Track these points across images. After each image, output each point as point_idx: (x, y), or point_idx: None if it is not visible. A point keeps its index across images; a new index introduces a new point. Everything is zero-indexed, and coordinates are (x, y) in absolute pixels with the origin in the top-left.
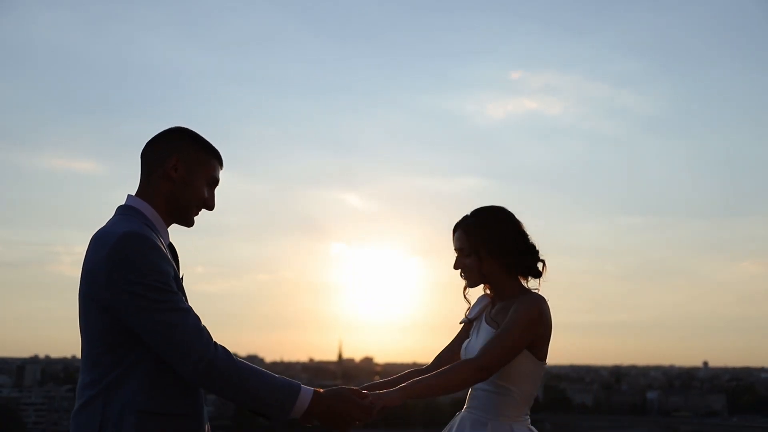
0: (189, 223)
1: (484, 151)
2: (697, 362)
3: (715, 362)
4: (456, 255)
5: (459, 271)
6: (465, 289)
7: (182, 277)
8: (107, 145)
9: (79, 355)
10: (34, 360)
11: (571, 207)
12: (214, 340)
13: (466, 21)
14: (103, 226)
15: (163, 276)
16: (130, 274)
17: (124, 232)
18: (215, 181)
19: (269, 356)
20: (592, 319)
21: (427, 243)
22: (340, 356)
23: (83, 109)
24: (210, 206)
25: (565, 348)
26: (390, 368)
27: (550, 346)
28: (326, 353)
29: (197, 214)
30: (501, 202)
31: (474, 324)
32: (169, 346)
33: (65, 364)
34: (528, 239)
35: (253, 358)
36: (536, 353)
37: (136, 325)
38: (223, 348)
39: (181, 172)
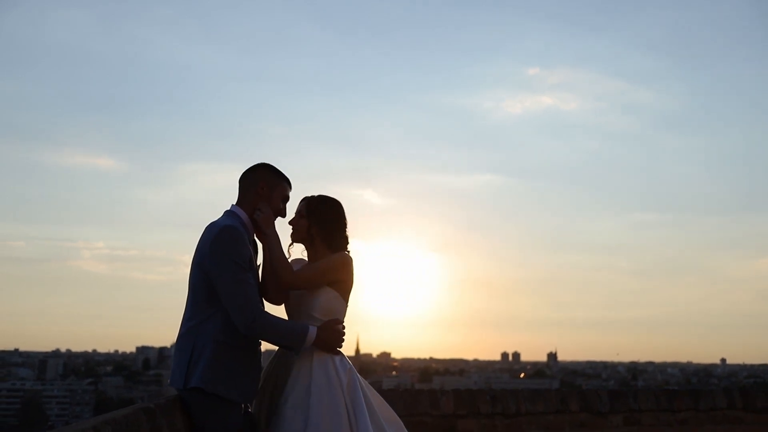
0: None
1: (500, 148)
2: (715, 359)
3: (732, 359)
4: (295, 215)
5: (291, 226)
6: (291, 245)
7: (259, 265)
8: (126, 141)
9: (99, 349)
10: (56, 354)
11: (587, 203)
12: (263, 310)
13: (482, 18)
14: (215, 220)
15: (242, 258)
16: (223, 253)
17: (225, 225)
18: (287, 198)
19: None
20: (608, 316)
21: (443, 239)
22: (357, 351)
23: (102, 106)
24: (283, 215)
25: (581, 344)
26: (407, 363)
27: (567, 342)
28: (344, 348)
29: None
30: (517, 199)
31: None
32: (232, 305)
33: (86, 357)
34: (346, 228)
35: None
36: (342, 294)
37: (217, 286)
38: (266, 313)
39: (266, 191)
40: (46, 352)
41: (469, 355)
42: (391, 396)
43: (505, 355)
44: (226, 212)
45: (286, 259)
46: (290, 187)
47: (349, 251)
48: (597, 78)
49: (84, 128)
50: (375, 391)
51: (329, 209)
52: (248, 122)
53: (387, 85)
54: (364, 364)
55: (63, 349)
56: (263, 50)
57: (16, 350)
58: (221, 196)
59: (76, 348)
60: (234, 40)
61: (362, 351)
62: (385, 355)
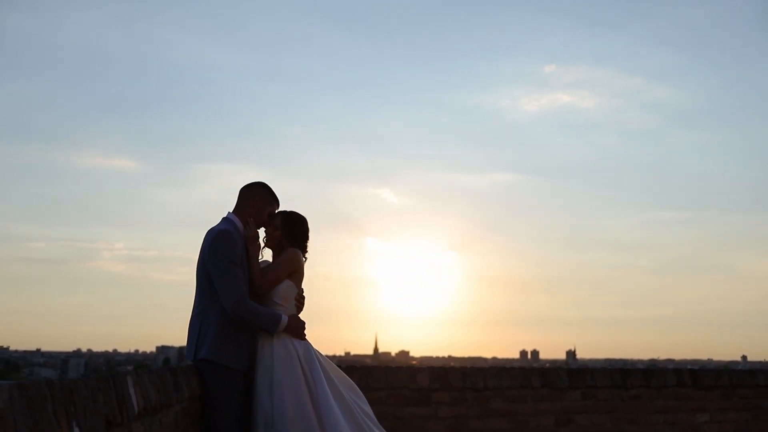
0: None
1: (517, 146)
2: (736, 356)
3: (753, 356)
4: (270, 226)
5: (264, 232)
6: (263, 247)
7: (262, 260)
8: (143, 142)
9: (119, 349)
10: (78, 354)
11: (605, 201)
12: (246, 297)
13: (499, 16)
14: (214, 226)
15: (234, 256)
16: (218, 252)
17: (221, 229)
18: (273, 214)
19: None
20: (627, 313)
21: (461, 238)
22: (375, 350)
23: (119, 108)
24: (266, 226)
25: (600, 342)
26: (426, 361)
27: (587, 340)
28: (362, 347)
29: (259, 228)
30: (534, 197)
31: None
32: (222, 293)
33: (107, 357)
34: (308, 241)
35: None
36: (296, 282)
37: (213, 278)
38: (248, 301)
39: (258, 206)
40: (68, 352)
41: (487, 353)
42: (372, 372)
43: (523, 353)
44: (224, 218)
45: (260, 272)
46: (278, 205)
47: (306, 257)
48: (614, 75)
49: (102, 130)
50: (330, 362)
51: (298, 226)
52: (265, 122)
53: (403, 84)
54: (383, 362)
55: (84, 349)
56: (279, 50)
57: (38, 350)
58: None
59: (97, 348)
60: (250, 40)
61: (381, 350)
62: (403, 354)
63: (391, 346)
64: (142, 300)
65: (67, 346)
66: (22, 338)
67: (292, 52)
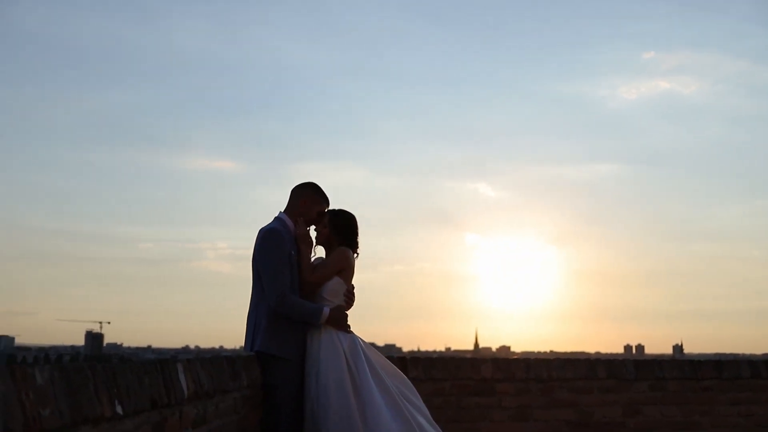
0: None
1: (616, 136)
2: None
3: None
4: (320, 224)
5: (314, 230)
6: (316, 244)
7: (314, 258)
8: (244, 143)
9: (225, 345)
10: (186, 350)
11: (712, 190)
12: (288, 293)
13: (594, 5)
14: (265, 225)
15: (280, 253)
16: (266, 250)
17: (269, 229)
18: (322, 213)
19: (407, 346)
20: (737, 306)
21: (561, 231)
22: (476, 345)
23: (222, 111)
24: (315, 224)
25: (709, 335)
26: (527, 357)
27: (694, 334)
28: (462, 342)
29: (309, 226)
30: (637, 187)
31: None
32: (266, 288)
33: (214, 353)
34: (357, 236)
35: (390, 348)
36: (345, 279)
37: (261, 274)
38: (290, 296)
39: (307, 205)
40: (177, 349)
41: (590, 348)
42: (435, 363)
43: (628, 347)
44: (275, 218)
45: (310, 270)
46: (327, 204)
47: (358, 253)
48: (718, 59)
49: (205, 133)
50: (379, 354)
51: (346, 223)
52: (362, 119)
53: (499, 77)
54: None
55: (192, 346)
56: (375, 47)
57: (149, 347)
58: (338, 193)
59: (204, 344)
60: (346, 39)
61: (481, 345)
62: (504, 349)
63: (491, 341)
64: (246, 298)
65: (176, 342)
66: (133, 335)
67: (387, 48)
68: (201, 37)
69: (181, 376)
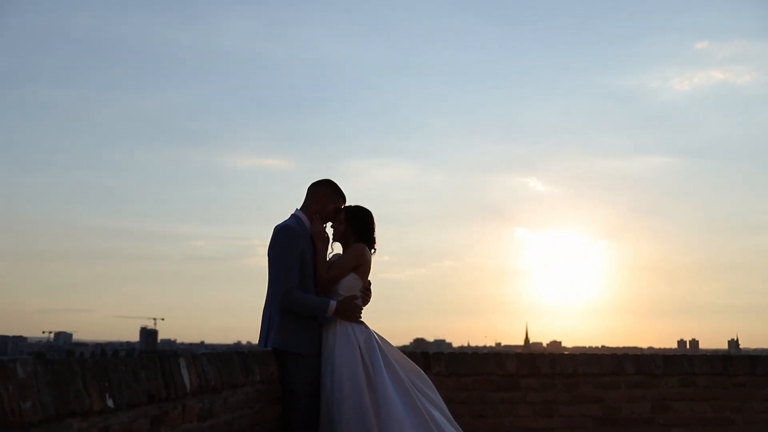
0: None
1: (669, 128)
2: None
3: None
4: (336, 221)
5: (333, 229)
6: (333, 240)
7: (332, 254)
8: (294, 141)
9: None
10: (238, 346)
11: (767, 181)
12: (294, 289)
13: None
14: (281, 222)
15: (291, 250)
16: (277, 246)
17: (283, 226)
18: (338, 210)
19: (456, 341)
20: None
21: (611, 225)
22: (526, 340)
23: (270, 109)
24: (332, 221)
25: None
26: (578, 352)
27: (751, 329)
28: (513, 338)
29: (326, 223)
30: (689, 180)
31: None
32: (274, 282)
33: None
34: (374, 232)
35: (440, 343)
36: (361, 276)
37: (271, 269)
38: (296, 292)
39: (323, 202)
40: (229, 345)
41: (643, 343)
42: (459, 358)
43: (682, 342)
44: (292, 215)
45: (325, 268)
46: (344, 201)
47: (375, 249)
48: None
49: (254, 131)
50: (396, 349)
51: (362, 220)
52: (410, 116)
53: (547, 71)
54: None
55: (244, 341)
56: (423, 44)
57: (202, 342)
58: (387, 190)
59: (256, 340)
60: (393, 36)
61: (532, 340)
62: (555, 344)
63: (542, 336)
64: None
65: (227, 338)
66: (187, 331)
67: (434, 44)
68: (248, 37)
69: (184, 371)
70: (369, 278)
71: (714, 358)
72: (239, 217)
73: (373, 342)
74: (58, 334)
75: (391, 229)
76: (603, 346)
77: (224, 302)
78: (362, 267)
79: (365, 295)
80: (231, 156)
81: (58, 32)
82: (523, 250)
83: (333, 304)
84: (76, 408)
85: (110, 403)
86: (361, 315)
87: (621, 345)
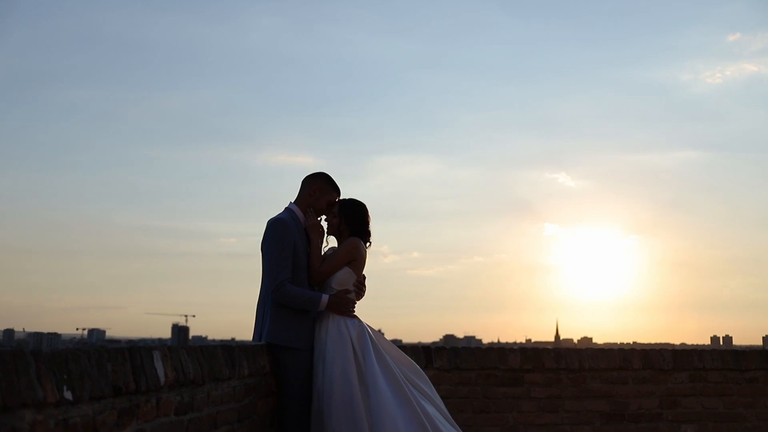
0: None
1: (701, 122)
2: None
3: None
4: (330, 214)
5: (324, 218)
6: (327, 234)
7: (327, 248)
8: (323, 138)
9: None
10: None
11: None
12: (285, 282)
13: None
14: (273, 216)
15: (283, 244)
16: (269, 239)
17: (275, 219)
18: (332, 203)
19: (486, 337)
20: None
21: (642, 220)
22: (557, 336)
23: (298, 106)
24: (326, 215)
25: None
26: (608, 348)
27: None
28: (543, 334)
29: (319, 216)
30: (721, 175)
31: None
32: (266, 276)
33: None
34: (368, 225)
35: (470, 339)
36: (355, 270)
37: (262, 263)
38: (287, 286)
39: (316, 195)
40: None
41: (675, 340)
42: (460, 353)
43: (715, 338)
44: (285, 208)
45: (319, 262)
46: (338, 195)
47: (369, 243)
48: None
49: (283, 128)
50: (389, 343)
51: (356, 213)
52: (438, 111)
53: (576, 65)
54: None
55: None
56: (450, 39)
57: (233, 339)
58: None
59: None
60: (420, 31)
61: (562, 336)
62: (586, 341)
63: (573, 332)
64: None
65: None
66: (218, 328)
67: (463, 39)
68: (276, 34)
69: (158, 364)
70: (364, 272)
71: (725, 352)
72: (270, 214)
73: (365, 336)
74: (91, 331)
75: (420, 225)
76: (635, 342)
77: (255, 299)
78: (356, 261)
79: (359, 289)
80: (261, 153)
81: (88, 32)
82: (553, 246)
83: (325, 298)
84: (28, 399)
85: (68, 395)
86: (355, 309)
87: (653, 341)
